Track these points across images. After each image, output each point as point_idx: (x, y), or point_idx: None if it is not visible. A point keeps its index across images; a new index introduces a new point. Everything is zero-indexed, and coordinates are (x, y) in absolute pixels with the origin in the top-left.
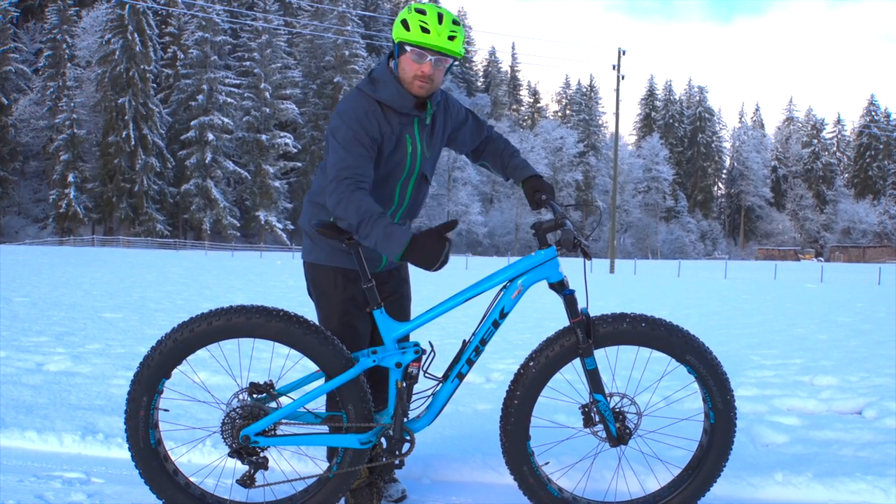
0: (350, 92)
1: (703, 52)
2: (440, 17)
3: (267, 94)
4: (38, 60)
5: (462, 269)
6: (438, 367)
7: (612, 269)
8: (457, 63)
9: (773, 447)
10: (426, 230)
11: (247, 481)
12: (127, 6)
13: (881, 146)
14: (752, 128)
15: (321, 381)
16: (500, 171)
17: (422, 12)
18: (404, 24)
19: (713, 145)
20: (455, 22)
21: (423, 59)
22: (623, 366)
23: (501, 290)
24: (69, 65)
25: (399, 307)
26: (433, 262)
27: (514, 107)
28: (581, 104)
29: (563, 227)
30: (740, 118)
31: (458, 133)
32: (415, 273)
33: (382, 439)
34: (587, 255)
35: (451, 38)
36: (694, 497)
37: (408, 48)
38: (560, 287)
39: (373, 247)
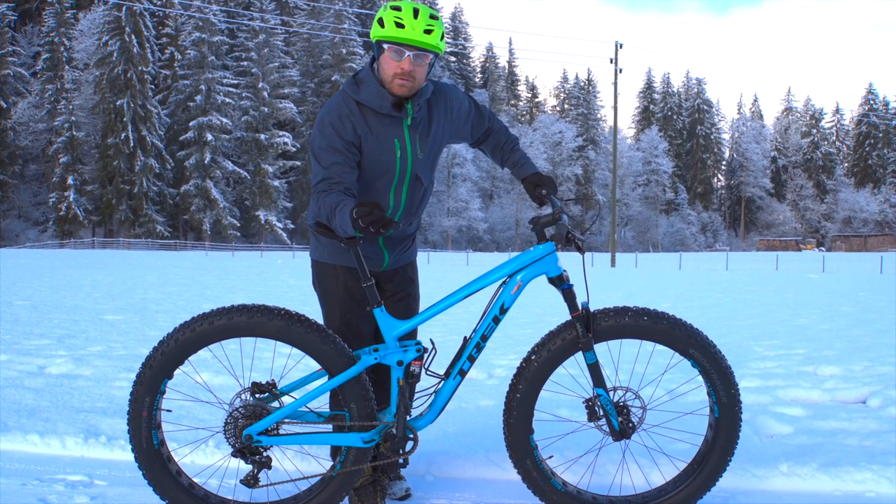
0: (333, 95)
1: (701, 45)
2: (416, 12)
3: (265, 94)
4: (37, 63)
5: (462, 266)
6: (440, 365)
7: (613, 263)
8: (439, 58)
9: (777, 438)
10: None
11: (250, 481)
12: (124, 8)
13: (880, 135)
14: (750, 119)
15: (323, 380)
16: (498, 162)
17: (397, 9)
18: (380, 21)
19: (712, 137)
20: (433, 17)
21: (402, 56)
22: (627, 359)
23: (501, 285)
24: (67, 67)
25: (405, 306)
26: (361, 231)
27: (513, 102)
28: (579, 98)
29: (558, 221)
30: (739, 109)
31: (462, 128)
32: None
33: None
34: (580, 249)
35: (427, 31)
36: (699, 492)
37: (385, 46)
38: (559, 281)
39: (346, 233)
